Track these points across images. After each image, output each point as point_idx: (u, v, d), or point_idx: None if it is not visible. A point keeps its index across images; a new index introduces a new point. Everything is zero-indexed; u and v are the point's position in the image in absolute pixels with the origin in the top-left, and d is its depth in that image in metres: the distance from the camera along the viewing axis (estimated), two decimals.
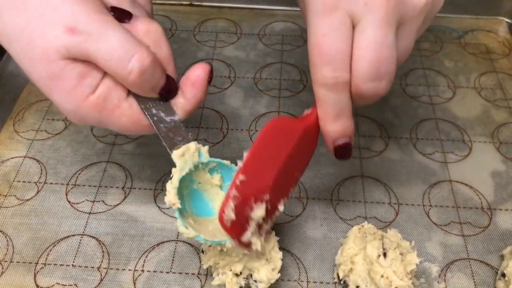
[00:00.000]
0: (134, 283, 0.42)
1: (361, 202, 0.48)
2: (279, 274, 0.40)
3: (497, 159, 0.52)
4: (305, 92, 0.59)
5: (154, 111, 0.38)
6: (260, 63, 0.63)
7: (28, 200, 0.48)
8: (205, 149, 0.39)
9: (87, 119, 0.37)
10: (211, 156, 0.39)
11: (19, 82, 0.59)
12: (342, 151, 0.39)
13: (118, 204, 0.48)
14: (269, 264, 0.40)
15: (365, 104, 0.38)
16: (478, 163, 0.52)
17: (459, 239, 0.46)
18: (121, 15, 0.36)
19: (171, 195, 0.36)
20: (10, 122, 0.55)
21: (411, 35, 0.37)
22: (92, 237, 0.46)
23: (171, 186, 0.37)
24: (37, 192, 0.49)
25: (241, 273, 0.40)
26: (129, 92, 0.37)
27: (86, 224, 0.47)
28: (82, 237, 0.46)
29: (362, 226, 0.43)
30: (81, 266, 0.43)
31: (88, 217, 0.47)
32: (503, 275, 0.42)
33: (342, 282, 0.42)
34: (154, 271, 0.43)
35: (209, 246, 0.41)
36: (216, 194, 0.40)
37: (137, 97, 0.37)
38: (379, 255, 0.39)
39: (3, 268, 0.43)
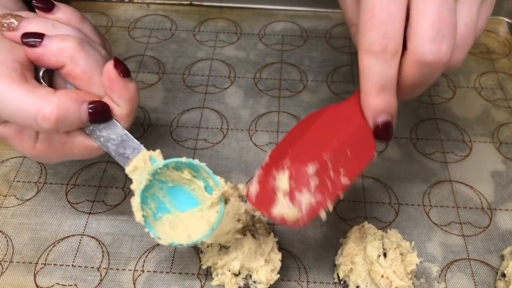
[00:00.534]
0: (134, 283, 0.42)
1: (361, 202, 0.48)
2: (278, 275, 0.40)
3: (497, 159, 0.52)
4: (305, 92, 0.59)
5: (98, 132, 0.38)
6: (260, 63, 0.63)
7: (28, 200, 0.48)
8: (157, 154, 0.38)
9: (49, 160, 0.39)
10: (165, 158, 0.38)
11: None
12: (382, 130, 0.36)
13: (118, 204, 0.48)
14: (268, 265, 0.40)
15: (418, 87, 0.35)
16: (478, 163, 0.52)
17: (459, 239, 0.46)
18: (33, 38, 0.36)
19: (135, 213, 0.37)
20: None
21: (472, 8, 0.34)
22: (92, 237, 0.46)
23: (134, 204, 0.37)
24: (37, 192, 0.49)
25: (240, 273, 0.40)
26: None
27: (86, 224, 0.46)
28: (82, 237, 0.46)
29: (362, 226, 0.43)
30: (81, 266, 0.43)
31: (88, 217, 0.47)
32: (503, 275, 0.42)
33: (342, 282, 0.42)
34: (154, 271, 0.43)
35: (207, 246, 0.41)
36: (195, 184, 0.39)
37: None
38: (379, 255, 0.39)
39: (3, 268, 0.43)
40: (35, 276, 0.43)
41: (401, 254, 0.40)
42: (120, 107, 0.38)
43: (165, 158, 0.52)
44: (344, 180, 0.35)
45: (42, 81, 0.38)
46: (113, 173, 0.51)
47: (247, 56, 0.64)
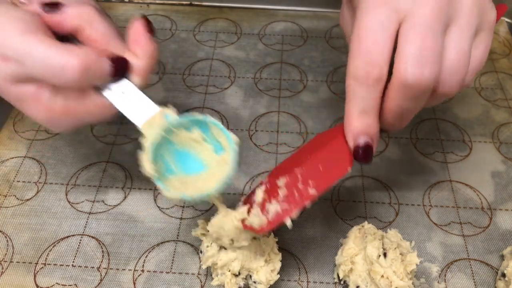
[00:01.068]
0: (134, 283, 0.42)
1: (361, 202, 0.48)
2: (278, 276, 0.40)
3: (497, 159, 0.52)
4: (305, 92, 0.59)
5: (112, 90, 0.39)
6: (260, 63, 0.63)
7: (28, 200, 0.48)
8: (171, 111, 0.39)
9: (62, 124, 0.39)
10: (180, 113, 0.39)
11: None
12: (362, 152, 0.37)
13: (118, 204, 0.48)
14: (268, 265, 0.40)
15: (402, 114, 0.36)
16: (478, 163, 0.52)
17: (459, 239, 0.46)
18: (51, 7, 0.38)
19: (146, 166, 0.37)
20: (10, 122, 0.55)
21: (463, 37, 0.35)
22: (92, 237, 0.46)
23: (145, 157, 0.37)
24: (37, 192, 0.49)
25: (240, 273, 0.40)
26: None
27: (86, 224, 0.46)
28: (82, 237, 0.46)
29: (362, 226, 0.43)
30: (81, 266, 0.43)
31: (88, 217, 0.47)
32: (503, 275, 0.42)
33: (342, 282, 0.42)
34: (154, 271, 0.43)
35: (207, 246, 0.41)
36: (204, 148, 0.39)
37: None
38: (379, 255, 0.39)
39: (3, 268, 0.43)
40: (35, 276, 0.43)
41: (401, 254, 0.40)
42: (140, 60, 0.39)
43: None
44: (312, 191, 0.37)
45: None
46: (113, 173, 0.51)
47: (247, 56, 0.64)
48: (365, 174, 0.51)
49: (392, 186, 0.50)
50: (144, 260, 0.44)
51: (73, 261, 0.44)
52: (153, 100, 0.58)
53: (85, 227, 0.46)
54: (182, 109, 0.57)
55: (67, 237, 0.46)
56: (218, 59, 0.64)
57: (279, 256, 0.41)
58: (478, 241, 0.46)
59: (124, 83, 0.39)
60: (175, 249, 0.45)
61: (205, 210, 0.48)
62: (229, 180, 0.37)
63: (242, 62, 0.63)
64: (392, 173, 0.51)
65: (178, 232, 0.46)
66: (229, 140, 0.38)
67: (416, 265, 0.39)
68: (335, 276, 0.43)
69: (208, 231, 0.41)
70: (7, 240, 0.45)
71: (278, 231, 0.45)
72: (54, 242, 0.45)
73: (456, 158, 0.52)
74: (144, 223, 0.47)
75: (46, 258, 0.44)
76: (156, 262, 0.44)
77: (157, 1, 0.72)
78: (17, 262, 0.44)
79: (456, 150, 0.53)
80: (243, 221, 0.38)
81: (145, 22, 0.40)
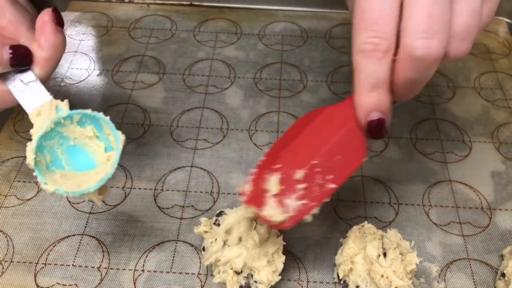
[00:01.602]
0: (134, 283, 0.42)
1: (361, 202, 0.48)
2: (280, 277, 0.40)
3: (497, 159, 0.52)
4: (305, 92, 0.59)
5: (11, 77, 0.39)
6: (260, 63, 0.63)
7: (28, 200, 0.48)
8: (64, 103, 0.39)
9: None
10: (75, 109, 0.39)
11: None
12: (375, 128, 0.35)
13: (118, 204, 0.48)
14: (271, 266, 0.40)
15: (412, 85, 0.35)
16: (478, 163, 0.52)
17: (459, 239, 0.46)
18: None
19: (28, 155, 0.37)
20: (10, 122, 0.55)
21: None
22: (92, 237, 0.46)
23: (29, 147, 0.37)
24: (37, 192, 0.49)
25: (241, 271, 0.40)
26: None
27: (86, 224, 0.47)
28: (82, 237, 0.46)
29: (362, 226, 0.43)
30: (81, 266, 0.44)
31: (88, 217, 0.47)
32: (503, 275, 0.42)
33: (342, 282, 0.42)
34: (154, 271, 0.43)
35: (211, 242, 0.41)
36: (97, 146, 0.39)
37: None
38: (379, 255, 0.39)
39: (3, 268, 0.43)
40: (35, 276, 0.43)
41: (401, 254, 0.40)
42: (43, 51, 0.39)
43: (164, 157, 0.53)
44: (331, 186, 0.36)
45: None
46: (113, 173, 0.51)
47: (247, 56, 0.64)
48: (365, 174, 0.51)
49: (392, 186, 0.50)
50: (144, 260, 0.44)
51: (74, 261, 0.44)
52: (153, 100, 0.58)
53: (85, 227, 0.46)
54: (182, 109, 0.57)
55: (68, 237, 0.46)
56: (218, 59, 0.64)
57: (283, 259, 0.41)
58: (477, 241, 0.46)
59: (27, 73, 0.39)
60: (175, 249, 0.45)
61: (205, 210, 0.48)
62: (107, 179, 0.38)
63: (242, 62, 0.63)
64: (392, 173, 0.51)
65: (178, 232, 0.46)
66: (116, 139, 0.38)
67: (416, 265, 0.39)
68: (335, 275, 0.43)
69: (211, 228, 0.41)
70: (7, 240, 0.45)
71: (278, 230, 0.45)
72: (54, 242, 0.45)
73: (456, 158, 0.52)
74: (144, 223, 0.47)
75: (46, 258, 0.44)
76: (156, 262, 0.44)
77: (157, 1, 0.72)
78: (17, 262, 0.44)
79: (456, 150, 0.53)
80: (258, 214, 0.37)
81: (52, 12, 0.39)
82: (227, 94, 0.59)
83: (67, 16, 0.70)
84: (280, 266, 0.40)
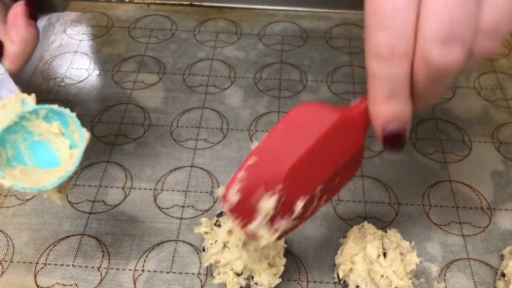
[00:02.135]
0: (134, 283, 0.42)
1: (361, 202, 0.48)
2: (280, 279, 0.40)
3: (497, 159, 0.52)
4: (305, 92, 0.59)
5: None
6: (260, 63, 0.63)
7: (28, 200, 0.48)
8: (30, 98, 0.38)
9: None
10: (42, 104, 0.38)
11: (19, 82, 0.59)
12: (393, 140, 0.31)
13: (118, 204, 0.48)
14: (272, 268, 0.40)
15: (431, 92, 0.30)
16: (478, 163, 0.52)
17: (459, 239, 0.46)
18: None
19: None
20: None
21: None
22: (92, 237, 0.46)
23: None
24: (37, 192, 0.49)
25: (242, 273, 0.40)
26: None
27: (86, 224, 0.47)
28: (82, 237, 0.46)
29: (362, 226, 0.43)
30: (81, 266, 0.44)
31: (88, 217, 0.47)
32: (503, 275, 0.42)
33: (342, 282, 0.42)
34: (154, 271, 0.43)
35: (211, 244, 0.41)
36: (61, 143, 0.39)
37: None
38: (379, 255, 0.39)
39: (3, 268, 0.43)
40: (35, 276, 0.43)
41: (401, 254, 0.40)
42: (13, 45, 0.38)
43: (164, 157, 0.53)
44: (323, 204, 0.34)
45: None
46: (113, 173, 0.51)
47: (247, 56, 0.64)
48: (365, 174, 0.51)
49: (392, 186, 0.50)
50: (144, 260, 0.44)
51: (74, 261, 0.44)
52: (153, 100, 0.58)
53: (85, 227, 0.46)
54: (182, 109, 0.57)
55: (68, 237, 0.46)
56: (218, 59, 0.64)
57: (284, 261, 0.41)
58: (477, 241, 0.46)
59: None
60: (175, 249, 0.45)
61: (205, 210, 0.48)
62: (68, 177, 0.37)
63: (242, 62, 0.63)
64: (392, 173, 0.51)
65: (178, 232, 0.46)
66: (81, 136, 0.37)
67: (416, 265, 0.39)
68: (335, 276, 0.43)
69: (212, 229, 0.41)
70: (7, 240, 0.45)
71: None
72: (54, 242, 0.45)
73: (456, 158, 0.52)
74: (144, 223, 0.47)
75: (46, 258, 0.44)
76: (156, 262, 0.44)
77: (157, 1, 0.72)
78: (17, 262, 0.44)
79: (456, 150, 0.53)
80: (240, 227, 0.34)
81: (25, 5, 0.38)
82: (227, 94, 0.59)
83: (67, 16, 0.70)
84: (281, 269, 0.41)
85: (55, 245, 0.45)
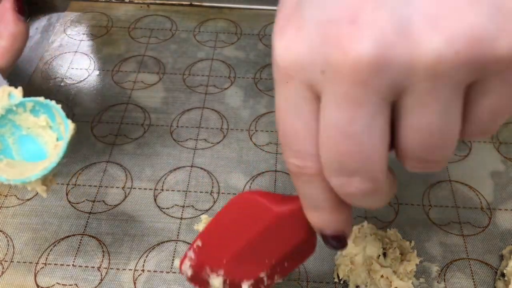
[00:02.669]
0: (135, 283, 0.42)
1: None
2: (280, 279, 0.40)
3: (497, 159, 0.52)
4: None
5: None
6: (260, 63, 0.63)
7: (28, 200, 0.48)
8: (17, 91, 0.38)
9: None
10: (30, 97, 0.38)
11: (19, 81, 0.59)
12: (331, 243, 0.30)
13: (118, 204, 0.48)
14: None
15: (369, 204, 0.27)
16: (478, 163, 0.52)
17: (458, 239, 0.46)
18: None
19: None
20: None
21: (422, 111, 0.22)
22: (92, 237, 0.46)
23: None
24: (37, 193, 0.49)
25: None
26: None
27: (86, 224, 0.47)
28: (82, 237, 0.46)
29: (362, 226, 0.43)
30: (81, 266, 0.44)
31: (88, 217, 0.47)
32: (503, 275, 0.42)
33: (342, 282, 0.42)
34: (155, 271, 0.43)
35: None
36: (49, 136, 0.39)
37: None
38: (379, 255, 0.39)
39: (3, 268, 0.43)
40: (35, 276, 0.43)
41: (401, 254, 0.40)
42: (1, 39, 0.38)
43: (164, 157, 0.53)
44: (276, 281, 0.34)
45: None
46: (113, 173, 0.51)
47: (247, 56, 0.64)
48: None
49: None
50: (145, 260, 0.44)
51: (74, 261, 0.44)
52: (153, 100, 0.58)
53: (85, 227, 0.46)
54: (182, 109, 0.57)
55: (68, 237, 0.46)
56: (218, 59, 0.64)
57: None
58: (477, 241, 0.46)
59: None
60: (175, 249, 0.45)
61: (205, 210, 0.48)
62: (53, 169, 0.36)
63: (242, 62, 0.63)
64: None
65: (178, 232, 0.46)
66: (66, 128, 0.37)
67: (416, 265, 0.39)
68: (335, 276, 0.43)
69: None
70: (7, 240, 0.45)
71: None
72: (54, 242, 0.45)
73: (456, 158, 0.52)
74: (144, 223, 0.47)
75: (46, 258, 0.44)
76: (156, 262, 0.44)
77: (157, 1, 0.72)
78: (17, 262, 0.44)
79: (456, 150, 0.53)
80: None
81: (14, 0, 0.38)
82: (227, 94, 0.59)
83: (67, 16, 0.70)
84: None
85: (55, 245, 0.45)
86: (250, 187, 0.49)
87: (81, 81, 0.60)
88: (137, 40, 0.66)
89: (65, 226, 0.46)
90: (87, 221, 0.47)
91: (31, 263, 0.44)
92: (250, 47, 0.65)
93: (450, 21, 0.20)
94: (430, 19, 0.20)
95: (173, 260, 0.44)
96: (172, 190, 0.49)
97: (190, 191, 0.49)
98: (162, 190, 0.49)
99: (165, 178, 0.50)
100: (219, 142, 0.54)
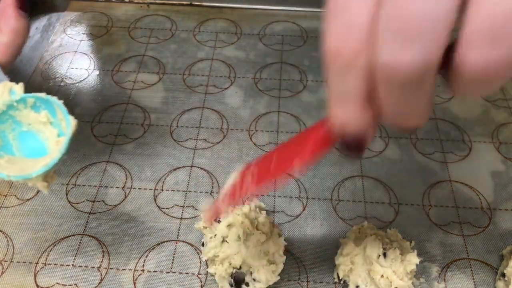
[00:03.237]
0: (134, 283, 0.42)
1: (361, 202, 0.48)
2: (279, 277, 0.40)
3: (497, 159, 0.52)
4: (305, 92, 0.59)
5: None
6: (260, 63, 0.63)
7: (28, 200, 0.48)
8: (18, 87, 0.38)
9: None
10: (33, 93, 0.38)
11: (19, 81, 0.59)
12: (349, 145, 0.28)
13: (118, 204, 0.48)
14: (271, 265, 0.40)
15: (403, 106, 0.25)
16: (478, 163, 0.52)
17: (459, 239, 0.46)
18: None
19: None
20: None
21: None
22: (92, 237, 0.46)
23: None
24: (37, 192, 0.49)
25: (240, 268, 0.40)
26: None
27: (86, 224, 0.47)
28: (82, 237, 0.46)
29: (362, 226, 0.43)
30: (81, 266, 0.44)
31: (88, 217, 0.47)
32: (503, 275, 0.42)
33: (342, 282, 0.42)
34: (154, 271, 0.43)
35: (210, 237, 0.41)
36: (50, 132, 0.38)
37: None
38: (379, 255, 0.39)
39: (3, 268, 0.43)
40: (35, 276, 0.43)
41: (401, 254, 0.40)
42: (2, 35, 0.38)
43: (164, 157, 0.53)
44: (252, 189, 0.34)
45: None
46: (113, 173, 0.51)
47: (247, 56, 0.64)
48: (365, 174, 0.51)
49: (392, 186, 0.50)
50: (144, 260, 0.44)
51: (74, 261, 0.44)
52: (153, 100, 0.58)
53: (85, 227, 0.46)
54: (182, 109, 0.57)
55: (68, 237, 0.46)
56: (218, 59, 0.64)
57: (283, 259, 0.41)
58: (477, 241, 0.46)
59: None
60: (175, 249, 0.45)
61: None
62: (55, 165, 0.36)
63: (242, 62, 0.63)
64: (392, 173, 0.51)
65: (178, 232, 0.46)
66: (67, 124, 0.37)
67: (416, 265, 0.39)
68: (335, 276, 0.43)
69: (211, 224, 0.41)
70: (7, 240, 0.45)
71: (280, 231, 0.45)
72: (54, 242, 0.45)
73: (456, 158, 0.52)
74: (144, 223, 0.47)
75: (46, 258, 0.44)
76: (156, 262, 0.44)
77: (157, 1, 0.72)
78: (17, 262, 0.44)
79: (456, 150, 0.53)
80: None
81: None
82: (227, 94, 0.59)
83: (67, 16, 0.70)
84: (280, 267, 0.40)
85: (55, 245, 0.45)
86: None
87: (81, 81, 0.60)
88: (137, 40, 0.66)
89: (65, 226, 0.46)
90: (87, 221, 0.47)
91: (31, 263, 0.44)
92: (250, 47, 0.65)
93: None
94: None
95: (172, 260, 0.44)
96: (172, 190, 0.49)
97: (190, 191, 0.49)
98: (162, 190, 0.49)
99: (165, 178, 0.50)
100: (219, 142, 0.54)
